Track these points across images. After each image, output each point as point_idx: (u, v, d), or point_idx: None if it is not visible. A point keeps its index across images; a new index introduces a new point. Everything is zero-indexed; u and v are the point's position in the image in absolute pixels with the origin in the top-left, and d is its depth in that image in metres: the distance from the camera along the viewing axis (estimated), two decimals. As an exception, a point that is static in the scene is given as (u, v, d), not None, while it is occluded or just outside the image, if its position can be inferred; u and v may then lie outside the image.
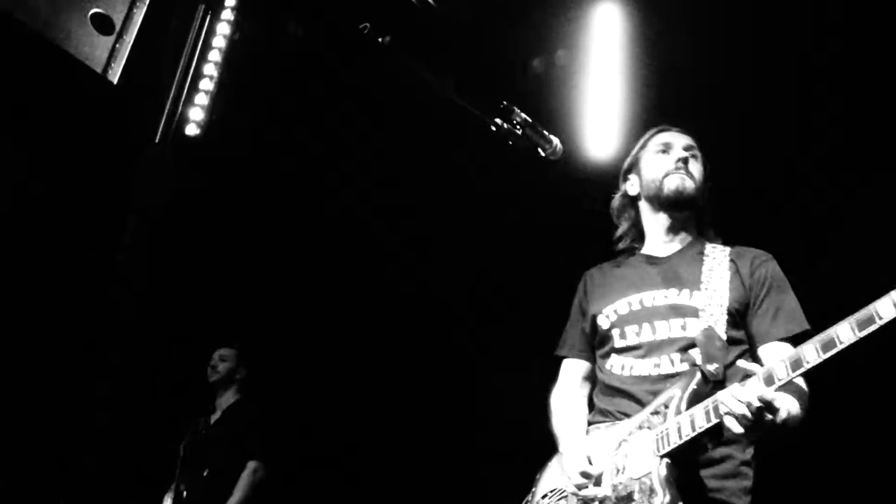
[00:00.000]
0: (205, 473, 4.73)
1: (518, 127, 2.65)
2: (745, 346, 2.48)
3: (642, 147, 2.86)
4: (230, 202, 5.56)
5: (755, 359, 2.45)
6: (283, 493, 5.11)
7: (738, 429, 2.06)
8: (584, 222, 5.03)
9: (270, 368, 5.42)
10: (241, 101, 4.72)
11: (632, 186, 2.85)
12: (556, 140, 2.70)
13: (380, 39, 2.44)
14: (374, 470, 5.72)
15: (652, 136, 2.86)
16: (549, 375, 2.94)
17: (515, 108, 2.66)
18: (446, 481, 5.46)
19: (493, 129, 2.62)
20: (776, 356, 2.24)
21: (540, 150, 2.70)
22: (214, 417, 5.04)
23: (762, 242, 2.69)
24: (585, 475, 2.37)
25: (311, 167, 5.44)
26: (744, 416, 2.03)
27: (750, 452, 2.41)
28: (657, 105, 4.78)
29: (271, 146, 5.25)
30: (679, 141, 2.78)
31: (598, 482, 2.36)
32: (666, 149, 2.77)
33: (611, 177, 4.83)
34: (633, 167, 2.87)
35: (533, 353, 3.56)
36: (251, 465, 4.67)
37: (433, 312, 5.82)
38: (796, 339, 2.32)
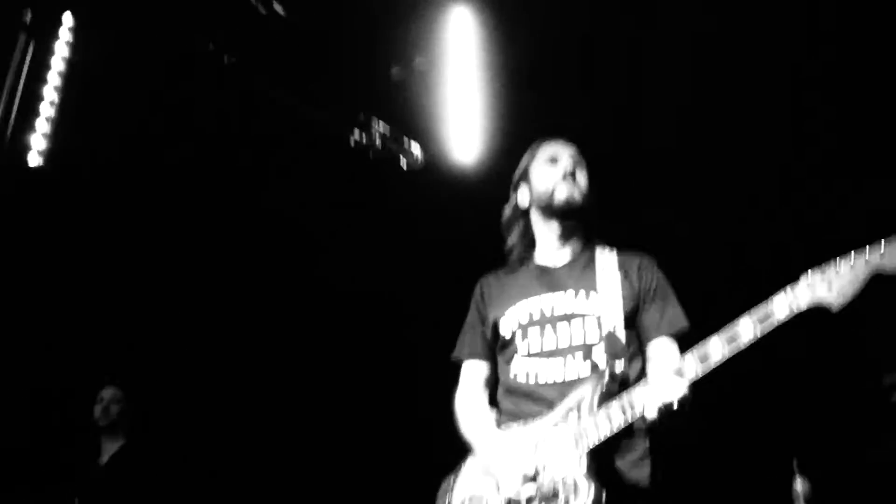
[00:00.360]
0: None
1: (378, 138, 2.63)
2: (636, 345, 2.69)
3: (530, 159, 2.97)
4: (86, 229, 5.27)
5: (643, 355, 2.69)
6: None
7: (656, 417, 2.29)
8: (453, 230, 5.10)
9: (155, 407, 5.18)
10: (90, 127, 4.48)
11: (522, 197, 2.96)
12: (417, 149, 2.71)
13: (225, 59, 2.37)
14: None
15: (538, 147, 2.98)
16: (443, 381, 2.99)
17: (374, 120, 2.65)
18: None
19: (353, 144, 2.60)
20: (665, 352, 2.57)
21: (402, 160, 2.69)
22: (102, 461, 4.78)
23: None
24: (526, 476, 2.46)
25: (173, 190, 5.22)
26: (663, 410, 2.26)
27: (647, 443, 2.59)
28: (517, 105, 4.85)
29: (125, 169, 5.02)
30: (565, 152, 2.91)
31: (534, 480, 2.46)
32: (554, 160, 2.89)
33: (476, 181, 4.95)
34: (523, 178, 2.97)
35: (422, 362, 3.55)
36: None
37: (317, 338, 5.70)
38: (680, 337, 2.62)
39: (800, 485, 4.62)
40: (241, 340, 5.65)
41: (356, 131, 2.66)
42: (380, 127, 2.67)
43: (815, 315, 2.28)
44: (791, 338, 2.39)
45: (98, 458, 4.80)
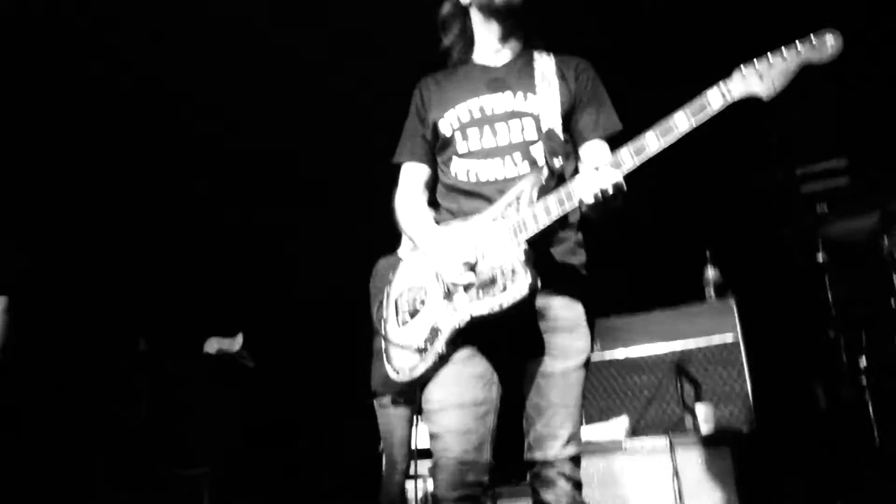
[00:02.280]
0: None
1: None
2: (571, 145, 2.74)
3: None
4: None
5: (577, 155, 2.74)
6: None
7: (591, 201, 2.35)
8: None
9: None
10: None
11: None
12: None
13: None
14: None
15: None
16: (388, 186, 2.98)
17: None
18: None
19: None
20: (598, 152, 2.64)
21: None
22: None
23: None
24: (467, 263, 2.53)
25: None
26: (598, 196, 2.33)
27: (580, 235, 2.73)
28: None
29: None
30: None
31: (472, 269, 2.54)
32: None
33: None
34: None
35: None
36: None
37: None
38: (611, 139, 2.67)
39: (710, 273, 4.95)
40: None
41: None
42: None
43: (733, 108, 2.36)
44: (712, 131, 2.45)
45: None
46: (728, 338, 4.62)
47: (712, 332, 4.67)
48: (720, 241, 5.05)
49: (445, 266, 2.58)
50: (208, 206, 5.79)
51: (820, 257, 4.57)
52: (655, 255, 5.37)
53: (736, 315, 4.66)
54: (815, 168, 5.42)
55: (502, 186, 2.61)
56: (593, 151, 2.69)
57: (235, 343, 5.52)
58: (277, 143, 5.66)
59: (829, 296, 4.54)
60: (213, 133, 5.53)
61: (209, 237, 5.77)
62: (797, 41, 2.32)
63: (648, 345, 4.82)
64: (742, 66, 2.35)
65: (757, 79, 2.32)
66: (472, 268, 2.54)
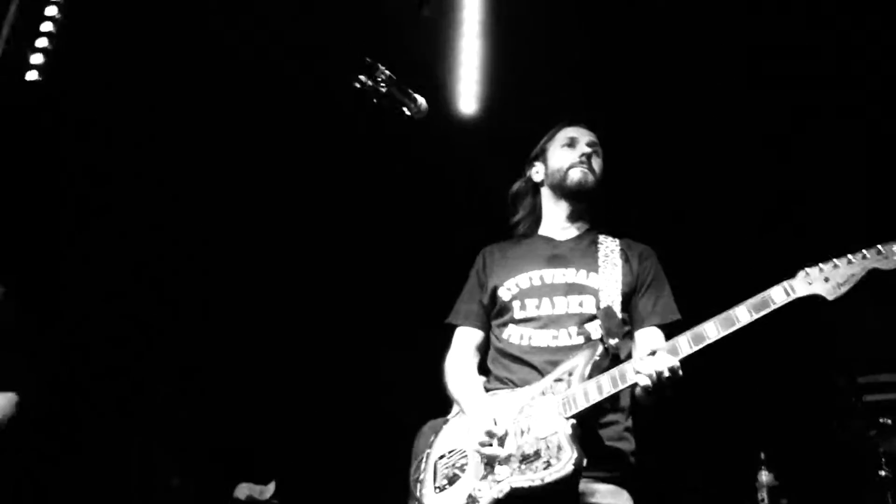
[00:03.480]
0: None
1: (382, 85, 2.58)
2: (629, 328, 2.75)
3: (549, 139, 3.05)
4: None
5: (633, 339, 2.75)
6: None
7: (646, 383, 2.33)
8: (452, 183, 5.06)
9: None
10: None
11: (537, 174, 3.05)
12: (420, 98, 2.67)
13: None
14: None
15: (559, 129, 3.05)
16: (436, 347, 3.00)
17: (380, 65, 2.58)
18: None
19: (358, 86, 2.56)
20: (654, 340, 2.63)
21: (405, 108, 2.66)
22: None
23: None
24: (490, 434, 2.50)
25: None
26: (654, 377, 2.31)
27: (630, 421, 2.69)
28: (518, 65, 4.79)
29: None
30: (584, 137, 2.99)
31: (501, 442, 2.50)
32: (572, 143, 2.98)
33: (474, 133, 4.90)
34: (540, 156, 3.06)
35: (418, 324, 3.54)
36: None
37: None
38: (668, 327, 2.68)
39: (764, 476, 4.73)
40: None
41: (361, 76, 2.59)
42: (384, 72, 2.61)
43: (790, 313, 2.37)
44: (769, 334, 2.45)
45: None
46: (779, 546, 4.34)
47: (763, 539, 4.39)
48: (776, 444, 4.86)
49: (479, 438, 2.53)
50: (253, 348, 5.84)
51: (883, 472, 4.35)
52: (708, 453, 5.18)
53: (789, 524, 4.40)
54: (880, 378, 5.25)
55: (554, 356, 2.61)
56: (649, 337, 2.69)
57: (267, 491, 5.38)
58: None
59: (893, 513, 4.28)
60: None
61: (253, 377, 5.78)
62: (864, 249, 2.33)
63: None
64: (807, 266, 2.37)
65: (821, 281, 2.33)
66: (501, 441, 2.49)
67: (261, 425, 5.74)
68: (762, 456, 4.76)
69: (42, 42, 4.18)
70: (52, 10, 4.15)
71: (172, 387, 5.64)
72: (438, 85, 4.84)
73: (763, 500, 4.64)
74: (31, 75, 4.18)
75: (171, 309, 5.61)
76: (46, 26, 4.15)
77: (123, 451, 5.29)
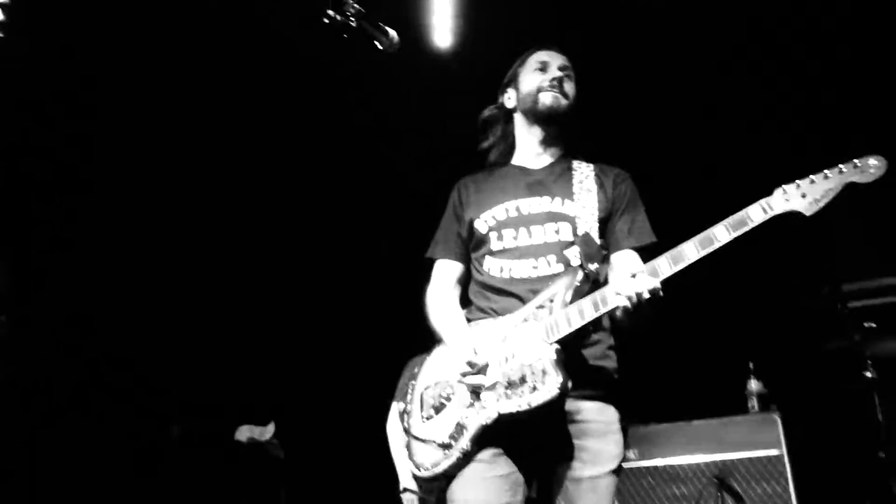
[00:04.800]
0: None
1: (352, 19, 2.55)
2: (607, 252, 2.76)
3: (521, 64, 3.00)
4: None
5: (609, 263, 2.75)
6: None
7: (626, 304, 2.36)
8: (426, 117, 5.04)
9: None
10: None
11: (509, 100, 3.00)
12: (392, 32, 2.64)
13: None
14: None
15: (530, 53, 2.99)
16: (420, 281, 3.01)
17: (349, -1, 2.54)
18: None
19: (327, 21, 2.53)
20: (631, 262, 2.65)
21: (377, 42, 2.64)
22: None
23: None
24: (471, 364, 2.54)
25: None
26: (633, 301, 2.34)
27: (612, 339, 2.72)
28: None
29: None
30: (555, 61, 2.93)
31: (483, 371, 2.54)
32: (543, 67, 2.92)
33: (448, 67, 4.86)
34: (512, 82, 3.01)
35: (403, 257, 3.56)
36: None
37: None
38: (644, 250, 2.69)
39: (753, 385, 4.84)
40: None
41: (330, 10, 2.56)
42: (353, 5, 2.58)
43: (774, 227, 2.38)
44: (753, 249, 2.49)
45: None
46: (772, 451, 4.46)
47: (755, 445, 4.51)
48: (764, 353, 4.96)
49: (460, 368, 2.57)
50: (249, 294, 5.86)
51: (868, 374, 4.45)
52: (697, 365, 5.28)
53: (780, 429, 4.52)
54: (864, 285, 5.33)
55: (535, 286, 2.63)
56: (625, 260, 2.71)
57: (266, 432, 5.48)
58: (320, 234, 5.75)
59: (879, 415, 4.40)
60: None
61: (248, 323, 5.83)
62: (841, 164, 2.35)
63: (688, 455, 4.66)
64: (784, 185, 2.38)
65: (799, 197, 2.34)
66: (483, 369, 2.52)
67: (258, 368, 5.81)
68: (751, 365, 4.88)
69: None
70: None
71: (169, 335, 5.67)
72: (412, 18, 4.76)
73: (753, 407, 4.77)
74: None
75: (165, 256, 5.61)
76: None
77: (124, 407, 5.36)
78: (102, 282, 5.31)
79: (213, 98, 5.07)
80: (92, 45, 4.65)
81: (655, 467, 4.72)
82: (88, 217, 5.27)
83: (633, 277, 2.37)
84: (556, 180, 2.82)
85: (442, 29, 4.84)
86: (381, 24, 2.63)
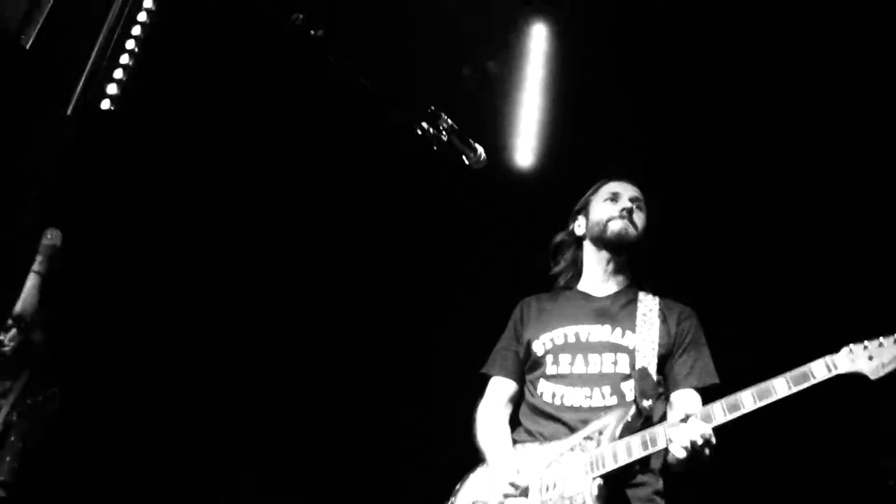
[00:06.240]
0: None
1: (444, 133, 2.65)
2: (663, 390, 2.71)
3: (593, 193, 3.06)
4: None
5: (668, 401, 2.71)
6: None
7: (681, 455, 2.28)
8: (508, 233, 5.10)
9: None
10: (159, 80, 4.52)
11: (579, 227, 3.05)
12: (480, 148, 2.72)
13: (312, 31, 2.41)
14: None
15: (603, 184, 3.06)
16: (473, 394, 3.00)
17: (442, 114, 2.65)
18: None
19: (420, 132, 2.62)
20: (690, 402, 2.59)
21: (464, 157, 2.72)
22: None
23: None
24: (513, 485, 2.49)
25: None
26: (688, 447, 2.27)
27: (661, 483, 2.62)
28: (576, 121, 4.86)
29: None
30: (627, 192, 2.99)
31: (524, 494, 2.49)
32: (615, 198, 2.97)
33: (529, 186, 4.95)
34: (583, 210, 3.06)
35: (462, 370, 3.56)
36: None
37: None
38: (704, 391, 2.64)
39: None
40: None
41: (423, 123, 2.66)
42: (447, 121, 2.68)
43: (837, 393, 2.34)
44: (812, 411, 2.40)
45: None
46: None
47: None
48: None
49: (501, 489, 2.53)
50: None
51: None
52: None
53: None
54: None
55: (586, 416, 2.59)
56: (684, 400, 2.64)
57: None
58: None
59: None
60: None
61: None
62: None
63: None
64: (852, 344, 2.32)
65: (866, 359, 2.28)
66: (525, 493, 2.48)
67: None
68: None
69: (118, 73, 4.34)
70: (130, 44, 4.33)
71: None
72: (498, 138, 4.92)
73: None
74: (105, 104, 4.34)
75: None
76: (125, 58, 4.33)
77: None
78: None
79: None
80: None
81: None
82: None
83: (685, 421, 2.32)
84: (619, 311, 2.81)
85: (524, 149, 5.00)
86: (470, 140, 2.72)
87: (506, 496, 2.51)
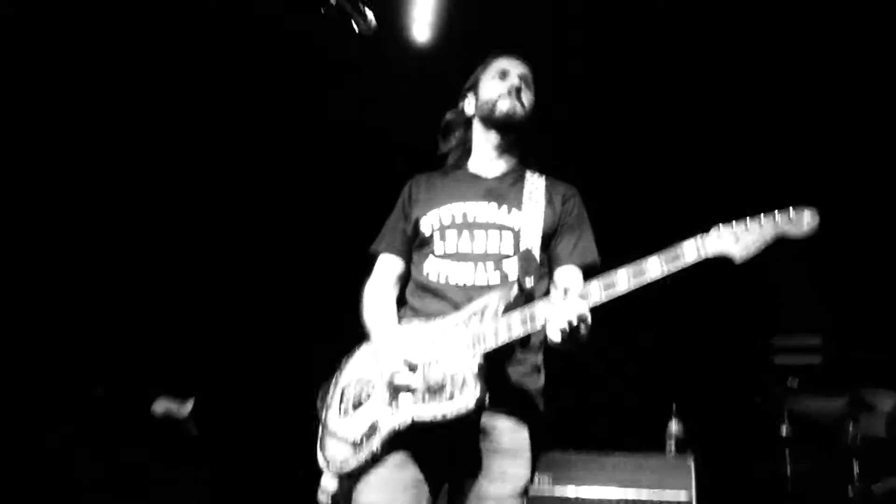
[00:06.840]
0: None
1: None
2: (546, 268, 2.75)
3: (482, 70, 3.00)
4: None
5: (550, 278, 2.75)
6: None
7: (556, 337, 2.31)
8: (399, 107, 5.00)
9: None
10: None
11: (469, 106, 3.00)
12: (370, 15, 2.62)
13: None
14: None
15: (492, 60, 3.00)
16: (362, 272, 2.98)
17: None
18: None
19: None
20: (571, 279, 2.65)
21: (353, 22, 2.61)
22: None
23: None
24: (408, 363, 2.49)
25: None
26: (563, 328, 2.29)
27: (541, 358, 2.70)
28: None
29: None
30: (516, 69, 2.94)
31: (413, 370, 2.50)
32: (503, 75, 2.92)
33: (424, 60, 4.84)
34: (472, 88, 3.01)
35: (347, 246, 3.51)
36: None
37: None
38: (586, 272, 2.67)
39: (673, 426, 4.87)
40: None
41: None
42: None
43: (715, 267, 2.37)
44: (689, 286, 2.49)
45: None
46: (681, 495, 4.47)
47: (666, 485, 4.52)
48: (688, 396, 5.00)
49: (389, 363, 2.54)
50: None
51: (784, 430, 4.53)
52: (622, 398, 5.31)
53: (693, 474, 4.54)
54: (791, 341, 5.43)
55: (470, 293, 2.60)
56: (567, 276, 2.70)
57: (184, 408, 5.36)
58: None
59: (788, 470, 4.47)
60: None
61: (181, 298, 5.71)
62: (776, 211, 2.33)
63: (599, 487, 4.66)
64: (720, 225, 2.36)
65: (732, 240, 2.32)
66: (413, 369, 2.49)
67: (186, 342, 5.70)
68: (673, 406, 4.91)
69: None
70: None
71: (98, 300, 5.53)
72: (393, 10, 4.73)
73: (671, 448, 4.79)
74: None
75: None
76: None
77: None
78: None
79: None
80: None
81: (567, 497, 4.71)
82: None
83: (564, 299, 2.36)
84: (506, 189, 2.82)
85: (421, 24, 4.85)
86: (360, 5, 2.61)
87: (396, 373, 2.51)
